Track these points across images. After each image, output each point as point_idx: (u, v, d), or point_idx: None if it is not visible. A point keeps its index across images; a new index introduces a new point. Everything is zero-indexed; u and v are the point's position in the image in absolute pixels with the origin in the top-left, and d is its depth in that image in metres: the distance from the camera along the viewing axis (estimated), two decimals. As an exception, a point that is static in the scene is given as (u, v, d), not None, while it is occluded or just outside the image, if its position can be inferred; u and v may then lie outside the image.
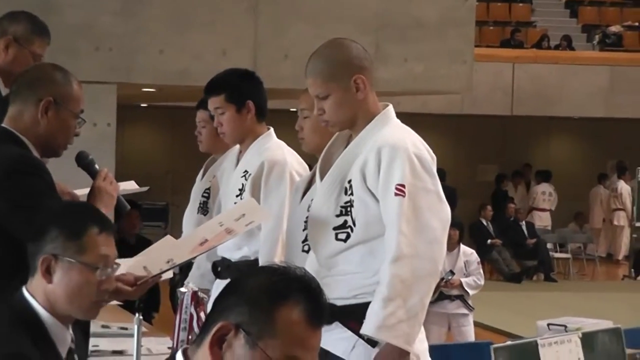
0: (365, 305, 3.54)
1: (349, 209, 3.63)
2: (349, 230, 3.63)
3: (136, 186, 4.32)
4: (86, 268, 2.71)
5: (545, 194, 19.82)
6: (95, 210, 2.92)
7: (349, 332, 3.58)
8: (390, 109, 3.74)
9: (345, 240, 3.63)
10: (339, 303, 3.55)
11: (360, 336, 3.56)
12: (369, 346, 3.54)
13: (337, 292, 3.56)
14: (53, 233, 2.73)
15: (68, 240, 2.72)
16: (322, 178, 3.76)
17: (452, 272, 8.82)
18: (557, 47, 20.85)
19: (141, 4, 8.71)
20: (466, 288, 8.82)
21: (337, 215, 3.64)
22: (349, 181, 3.64)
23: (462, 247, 9.19)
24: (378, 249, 3.57)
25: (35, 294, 2.74)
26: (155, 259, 3.51)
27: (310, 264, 3.68)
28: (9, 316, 2.69)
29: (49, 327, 2.72)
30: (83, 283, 2.73)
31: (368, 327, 3.49)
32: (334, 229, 3.65)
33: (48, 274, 2.71)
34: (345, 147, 3.75)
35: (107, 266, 2.76)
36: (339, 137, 3.83)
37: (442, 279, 8.72)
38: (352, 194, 3.62)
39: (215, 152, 5.23)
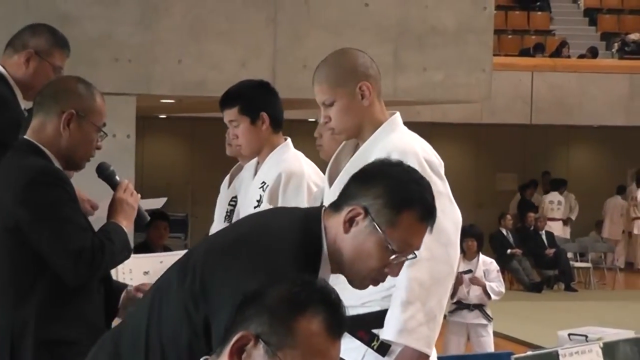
0: (374, 314, 3.56)
1: None
2: None
3: (154, 201, 4.33)
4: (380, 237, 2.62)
5: (553, 203, 19.63)
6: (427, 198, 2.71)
7: (358, 342, 3.56)
8: (397, 117, 3.77)
9: None
10: (348, 312, 3.55)
11: (370, 345, 3.55)
12: (379, 355, 3.54)
13: (345, 301, 3.56)
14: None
15: (386, 207, 2.63)
16: (330, 185, 3.78)
17: (470, 271, 8.82)
18: (581, 57, 20.77)
19: (159, 15, 8.73)
20: (489, 291, 8.80)
21: None
22: None
23: (482, 256, 9.19)
24: None
25: (328, 231, 2.66)
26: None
27: None
28: (300, 240, 2.61)
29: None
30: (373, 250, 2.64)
31: (389, 332, 3.49)
32: None
33: (349, 224, 2.64)
34: (354, 153, 3.76)
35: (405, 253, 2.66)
36: (347, 144, 3.86)
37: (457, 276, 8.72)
38: None
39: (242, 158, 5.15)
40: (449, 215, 3.61)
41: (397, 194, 2.65)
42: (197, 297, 2.56)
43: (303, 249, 2.60)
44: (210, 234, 5.30)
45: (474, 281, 8.85)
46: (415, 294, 3.48)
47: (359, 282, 2.74)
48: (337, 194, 3.68)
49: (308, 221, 2.68)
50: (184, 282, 2.59)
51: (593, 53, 21.06)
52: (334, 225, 2.67)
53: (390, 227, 2.63)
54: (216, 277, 2.56)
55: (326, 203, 3.77)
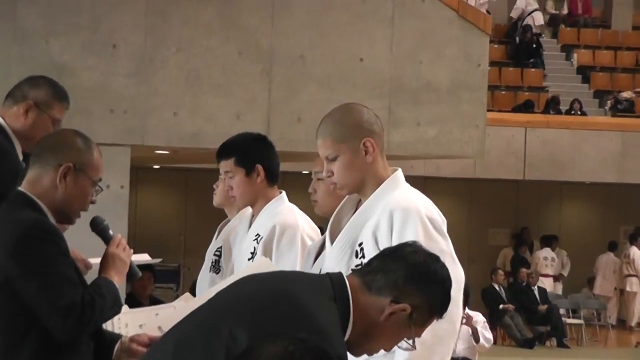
0: None
1: None
2: None
3: (149, 258, 4.32)
4: None
5: (547, 259, 19.66)
6: None
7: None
8: (400, 174, 3.75)
9: None
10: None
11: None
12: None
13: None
14: None
15: (428, 312, 2.78)
16: (332, 242, 3.76)
17: None
18: (569, 112, 20.88)
19: (155, 67, 8.78)
20: (479, 335, 8.76)
21: None
22: (360, 244, 3.64)
23: (468, 311, 9.18)
24: None
25: (360, 305, 2.72)
26: (169, 319, 3.50)
27: None
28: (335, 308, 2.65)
29: None
30: None
31: None
32: None
33: (391, 314, 2.72)
34: (355, 211, 3.75)
35: None
36: (348, 201, 3.84)
37: None
38: (363, 257, 3.61)
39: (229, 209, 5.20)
40: (452, 274, 3.59)
41: (441, 304, 2.78)
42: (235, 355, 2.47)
43: (339, 316, 2.63)
44: (198, 282, 5.33)
45: (466, 321, 8.82)
46: (417, 353, 3.45)
47: (360, 353, 2.78)
48: (339, 251, 3.68)
49: (339, 290, 2.68)
50: (219, 338, 2.49)
51: (579, 105, 21.21)
52: (369, 307, 2.69)
53: (419, 327, 2.75)
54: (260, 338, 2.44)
55: (328, 260, 3.76)
